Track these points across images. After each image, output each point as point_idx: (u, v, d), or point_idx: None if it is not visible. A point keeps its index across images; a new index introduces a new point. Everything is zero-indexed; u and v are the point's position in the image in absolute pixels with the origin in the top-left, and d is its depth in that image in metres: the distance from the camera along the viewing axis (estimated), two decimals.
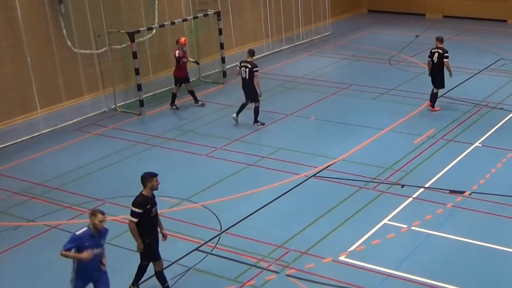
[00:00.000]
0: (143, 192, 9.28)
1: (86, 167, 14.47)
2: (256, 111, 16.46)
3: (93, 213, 8.46)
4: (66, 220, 12.10)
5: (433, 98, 17.00)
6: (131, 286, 9.74)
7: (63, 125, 17.09)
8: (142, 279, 9.80)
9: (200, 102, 18.28)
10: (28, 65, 16.98)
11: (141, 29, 18.26)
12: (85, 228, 8.44)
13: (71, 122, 17.28)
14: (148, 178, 9.25)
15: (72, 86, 18.45)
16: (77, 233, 8.39)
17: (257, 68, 16.12)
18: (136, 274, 9.72)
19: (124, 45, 18.74)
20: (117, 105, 18.30)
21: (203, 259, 10.57)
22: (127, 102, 18.44)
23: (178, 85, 17.95)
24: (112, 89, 18.47)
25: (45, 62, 17.68)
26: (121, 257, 10.77)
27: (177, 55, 17.59)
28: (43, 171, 14.34)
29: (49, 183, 13.76)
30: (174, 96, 18.11)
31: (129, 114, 17.89)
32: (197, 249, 10.83)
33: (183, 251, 10.82)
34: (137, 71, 17.73)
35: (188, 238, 11.24)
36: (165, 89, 19.46)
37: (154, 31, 19.74)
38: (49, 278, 10.40)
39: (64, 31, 18.04)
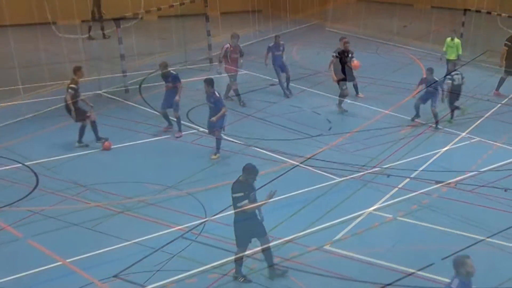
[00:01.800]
0: (240, 178, 9.47)
1: (69, 153, 14.30)
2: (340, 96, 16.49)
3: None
4: (49, 206, 11.96)
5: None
6: (236, 277, 9.70)
7: (46, 110, 16.88)
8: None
9: (242, 103, 17.17)
10: (11, 49, 16.77)
11: (127, 15, 18.08)
12: (457, 281, 7.34)
13: (54, 107, 17.07)
14: (252, 171, 9.38)
15: (56, 71, 18.23)
16: None
17: (333, 54, 16.36)
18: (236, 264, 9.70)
19: (109, 30, 18.55)
20: (102, 91, 18.12)
21: (188, 246, 10.49)
22: (112, 88, 18.26)
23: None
24: (97, 74, 18.28)
25: (29, 47, 17.45)
26: (104, 242, 10.68)
27: (224, 48, 16.93)
28: (25, 156, 14.16)
29: (31, 168, 13.58)
30: (236, 93, 17.24)
31: (114, 100, 17.72)
32: (181, 236, 10.75)
33: (168, 238, 10.73)
34: (122, 57, 17.56)
35: (173, 225, 11.15)
36: (151, 76, 19.29)
37: (140, 17, 19.55)
38: (31, 265, 10.26)
39: (49, 16, 17.82)
